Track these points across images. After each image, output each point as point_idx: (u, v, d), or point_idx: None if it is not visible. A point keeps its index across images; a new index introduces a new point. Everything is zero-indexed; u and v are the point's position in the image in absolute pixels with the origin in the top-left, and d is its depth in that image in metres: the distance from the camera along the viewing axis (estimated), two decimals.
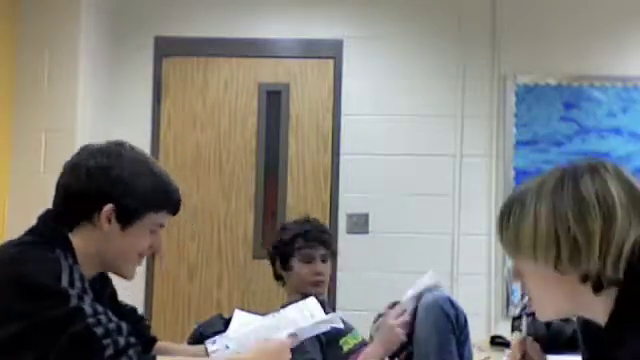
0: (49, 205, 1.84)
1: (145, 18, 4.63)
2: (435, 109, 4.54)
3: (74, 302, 1.56)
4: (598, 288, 1.35)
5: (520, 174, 4.48)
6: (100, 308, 1.59)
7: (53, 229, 1.76)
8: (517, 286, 3.31)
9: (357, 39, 4.58)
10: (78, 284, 1.61)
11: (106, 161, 1.78)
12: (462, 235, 4.47)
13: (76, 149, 1.88)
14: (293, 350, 2.66)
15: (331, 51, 4.59)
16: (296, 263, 2.90)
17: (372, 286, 4.37)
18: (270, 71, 4.63)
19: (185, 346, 2.26)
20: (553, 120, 4.51)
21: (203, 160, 4.59)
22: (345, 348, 2.74)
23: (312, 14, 4.63)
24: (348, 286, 4.46)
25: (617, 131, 4.48)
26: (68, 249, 1.72)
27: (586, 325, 1.53)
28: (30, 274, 1.60)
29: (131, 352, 1.55)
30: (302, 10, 4.63)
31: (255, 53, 4.63)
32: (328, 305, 2.96)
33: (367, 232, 4.46)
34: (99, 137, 4.27)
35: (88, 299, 1.59)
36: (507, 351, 3.22)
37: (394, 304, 2.71)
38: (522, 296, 3.59)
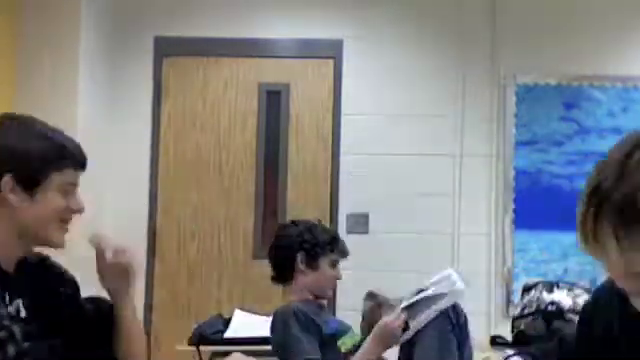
0: None
1: (145, 18, 4.63)
2: (435, 109, 4.54)
3: None
4: None
5: (520, 174, 4.48)
6: None
7: None
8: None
9: (357, 39, 4.58)
10: None
11: None
12: (462, 235, 4.47)
13: None
14: (292, 351, 2.69)
15: (331, 51, 4.59)
16: (324, 264, 2.91)
17: (372, 286, 4.35)
18: (270, 71, 4.63)
19: None
20: (553, 120, 4.51)
21: (203, 160, 4.59)
22: (343, 349, 2.75)
23: (312, 14, 4.63)
24: (348, 286, 4.44)
25: (617, 131, 4.47)
26: None
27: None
28: None
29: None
30: (302, 10, 4.63)
31: (255, 53, 4.63)
32: (328, 307, 2.96)
33: (367, 232, 4.46)
34: (99, 137, 4.29)
35: None
36: (508, 351, 3.22)
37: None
38: (522, 296, 3.60)
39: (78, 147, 1.81)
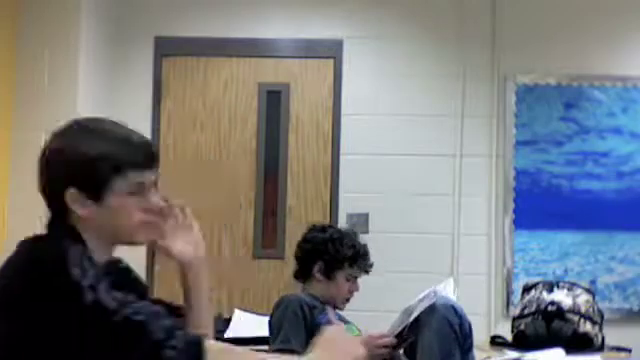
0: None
1: (145, 18, 4.63)
2: (435, 109, 4.54)
3: (89, 296, 1.50)
4: None
5: (520, 174, 4.48)
6: (120, 295, 1.54)
7: (57, 222, 1.69)
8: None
9: (357, 39, 4.58)
10: (91, 272, 1.55)
11: (56, 144, 1.70)
12: (462, 235, 4.47)
13: None
14: (280, 334, 2.72)
15: (331, 51, 4.59)
16: (341, 277, 2.94)
17: (372, 286, 4.36)
18: (270, 71, 4.63)
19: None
20: (553, 120, 4.50)
21: (203, 160, 4.58)
22: None
23: (312, 14, 4.63)
24: None
25: (617, 131, 4.48)
26: (77, 237, 1.66)
27: None
28: (39, 269, 1.54)
29: (179, 333, 1.54)
30: (302, 10, 4.63)
31: (255, 53, 4.63)
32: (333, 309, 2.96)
33: (367, 232, 4.46)
34: None
35: (103, 288, 1.53)
36: (507, 352, 3.22)
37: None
38: (522, 296, 3.60)
39: (142, 145, 1.74)
